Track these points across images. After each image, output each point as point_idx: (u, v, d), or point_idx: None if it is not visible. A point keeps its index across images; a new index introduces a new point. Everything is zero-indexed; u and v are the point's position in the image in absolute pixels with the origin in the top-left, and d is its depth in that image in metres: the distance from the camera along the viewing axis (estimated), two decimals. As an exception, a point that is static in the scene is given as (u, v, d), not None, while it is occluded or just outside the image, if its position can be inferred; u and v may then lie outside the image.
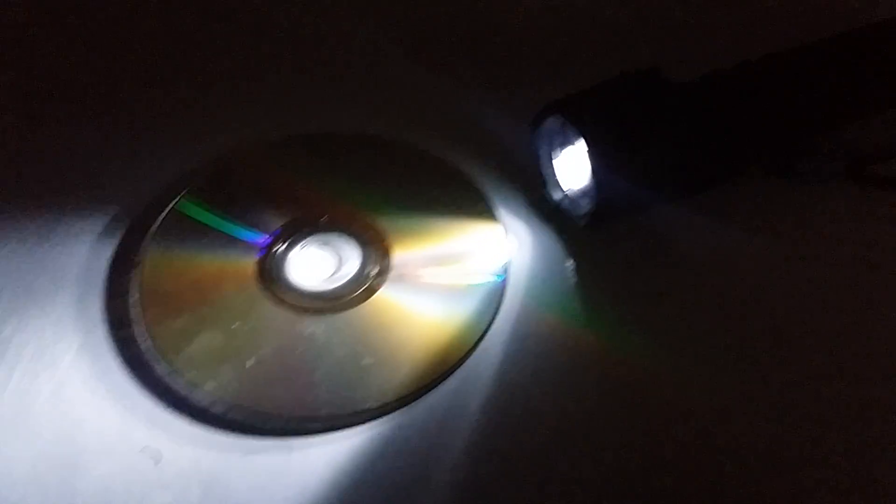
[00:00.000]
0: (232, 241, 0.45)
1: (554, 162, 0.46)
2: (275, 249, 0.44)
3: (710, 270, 0.45)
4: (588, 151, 0.41)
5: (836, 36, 0.47)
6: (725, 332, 0.42)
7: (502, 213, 0.47)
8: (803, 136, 0.47)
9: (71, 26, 0.58)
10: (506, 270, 0.44)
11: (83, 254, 0.45)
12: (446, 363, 0.41)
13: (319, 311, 0.42)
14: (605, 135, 0.41)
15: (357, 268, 0.44)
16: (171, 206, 0.46)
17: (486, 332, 0.42)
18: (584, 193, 0.45)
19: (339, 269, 0.44)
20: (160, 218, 0.45)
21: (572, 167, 0.45)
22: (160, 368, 0.40)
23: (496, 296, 0.43)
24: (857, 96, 0.47)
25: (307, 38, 0.57)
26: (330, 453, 0.38)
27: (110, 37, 0.57)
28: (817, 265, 0.45)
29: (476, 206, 0.47)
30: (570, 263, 0.45)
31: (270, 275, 0.44)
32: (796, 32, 0.47)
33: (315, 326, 0.42)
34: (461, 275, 0.44)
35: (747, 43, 0.48)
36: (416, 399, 0.40)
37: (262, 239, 0.45)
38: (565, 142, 0.45)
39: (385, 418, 0.39)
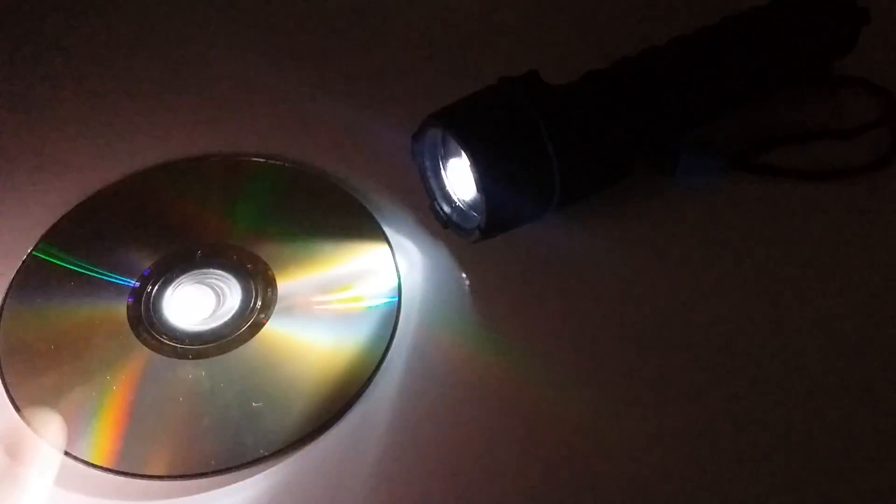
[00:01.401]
0: (99, 286, 0.41)
1: (441, 174, 0.44)
2: (147, 291, 0.41)
3: (602, 276, 0.44)
4: (471, 164, 0.39)
5: (710, 26, 0.47)
6: (619, 341, 0.41)
7: (390, 231, 0.45)
8: (683, 130, 0.46)
9: None
10: (398, 291, 0.42)
11: (-69, 312, 0.41)
12: (343, 397, 0.38)
13: (201, 354, 0.39)
14: (488, 144, 0.39)
15: (239, 303, 0.41)
16: (27, 252, 0.42)
17: (382, 359, 0.40)
18: (472, 205, 0.43)
19: (219, 306, 0.42)
20: (17, 267, 0.41)
21: (459, 179, 0.43)
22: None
23: (390, 319, 0.41)
24: (733, 87, 0.47)
25: (171, 61, 0.54)
26: (223, 509, 0.35)
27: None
28: (704, 261, 0.44)
29: (362, 227, 0.45)
30: (463, 279, 0.43)
31: (144, 319, 0.40)
32: (673, 25, 0.47)
33: (197, 371, 0.39)
34: (352, 300, 0.42)
35: (626, 40, 0.47)
36: (314, 440, 0.37)
37: (131, 281, 0.41)
38: (449, 153, 0.43)
39: (280, 465, 0.37)
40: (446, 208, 0.44)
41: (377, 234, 0.44)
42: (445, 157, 0.43)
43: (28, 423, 0.36)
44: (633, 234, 0.45)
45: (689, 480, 0.36)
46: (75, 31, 0.56)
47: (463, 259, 0.44)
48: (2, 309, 0.40)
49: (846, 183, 0.48)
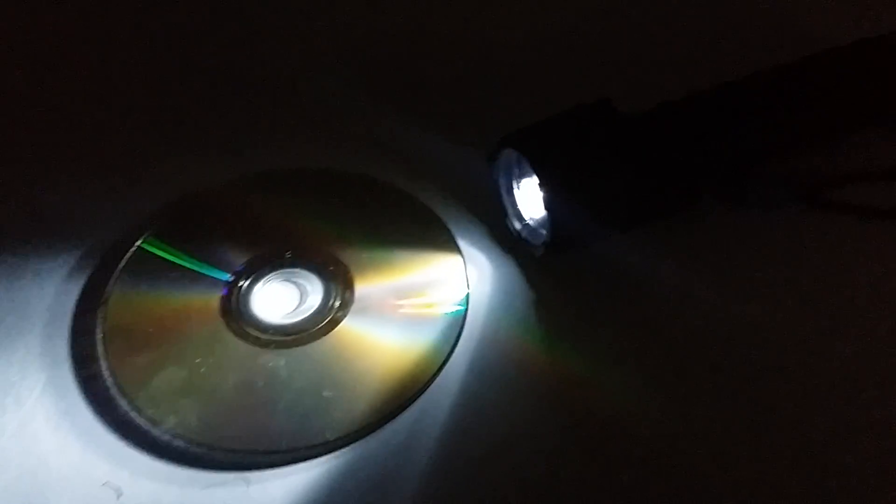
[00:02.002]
0: (197, 278, 0.45)
1: (514, 193, 0.47)
2: (239, 285, 0.45)
3: (665, 298, 0.45)
4: (540, 185, 0.41)
5: (785, 65, 0.48)
6: (681, 360, 0.43)
7: (463, 244, 0.48)
8: (754, 164, 0.48)
9: (39, 71, 0.59)
10: (466, 301, 0.45)
11: (51, 293, 0.46)
12: (406, 394, 0.41)
13: (282, 345, 0.43)
14: (557, 168, 0.42)
15: (319, 301, 0.45)
16: (136, 245, 0.46)
17: (445, 362, 0.43)
18: (542, 224, 0.45)
19: (301, 302, 0.45)
20: (125, 257, 0.46)
21: (531, 198, 0.46)
22: (123, 405, 0.41)
23: (457, 326, 0.44)
24: (809, 123, 0.48)
25: (270, 79, 0.58)
26: (288, 485, 0.39)
27: (78, 82, 0.58)
28: (770, 291, 0.45)
29: (438, 238, 0.48)
30: (529, 292, 0.46)
31: (234, 310, 0.44)
32: (747, 63, 0.48)
33: (277, 360, 0.42)
34: (423, 306, 0.45)
35: (699, 74, 0.48)
36: (375, 430, 0.40)
37: (226, 275, 0.45)
38: (522, 173, 0.46)
39: (344, 450, 0.40)
40: (517, 225, 0.47)
41: (451, 245, 0.47)
42: (519, 177, 0.46)
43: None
44: (698, 259, 0.47)
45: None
46: (194, 42, 0.61)
47: (530, 274, 0.47)
48: (110, 294, 0.45)
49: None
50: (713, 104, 0.46)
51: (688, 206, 0.46)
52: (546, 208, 0.42)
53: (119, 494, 0.38)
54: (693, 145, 0.45)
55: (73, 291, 0.46)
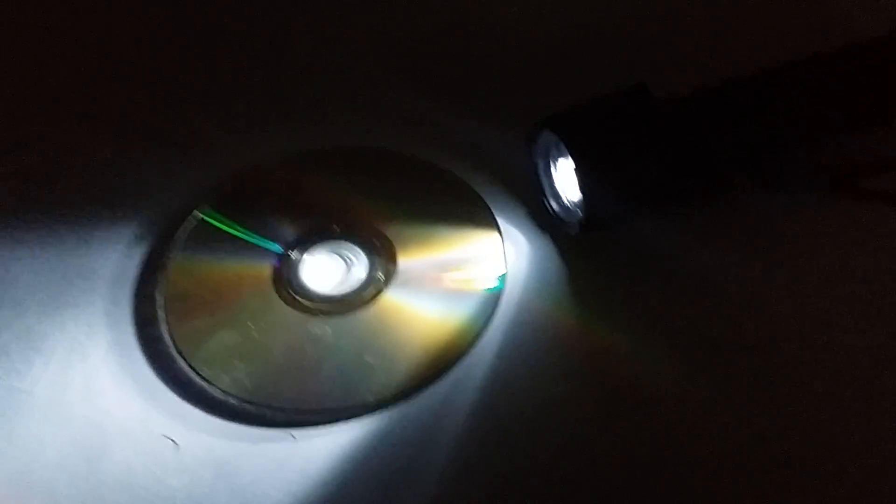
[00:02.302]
0: (251, 249, 0.48)
1: (552, 172, 0.49)
2: (290, 256, 0.48)
3: (695, 277, 0.47)
4: (575, 168, 0.43)
5: (821, 53, 0.49)
6: (709, 338, 0.45)
7: (502, 222, 0.50)
8: (788, 149, 0.49)
9: (107, 55, 0.62)
10: (503, 278, 0.47)
11: (117, 258, 0.49)
12: (442, 363, 0.44)
13: (328, 313, 0.46)
14: (593, 151, 0.44)
15: (365, 274, 0.47)
16: (196, 215, 0.49)
17: (480, 335, 0.45)
18: (578, 204, 0.47)
19: (348, 274, 0.48)
20: (185, 227, 0.49)
21: (567, 178, 0.48)
22: (181, 364, 0.44)
23: (493, 301, 0.46)
24: (841, 112, 0.49)
25: (321, 64, 0.61)
26: (332, 443, 0.41)
27: (143, 64, 0.61)
28: (797, 275, 0.47)
29: (478, 216, 0.50)
30: (564, 270, 0.48)
31: (285, 279, 0.47)
32: (783, 51, 0.49)
33: (324, 327, 0.45)
34: (462, 281, 0.48)
35: (736, 61, 0.49)
36: (414, 395, 0.43)
37: (278, 247, 0.48)
38: (560, 154, 0.48)
39: (384, 412, 0.42)
40: (554, 204, 0.49)
41: (490, 223, 0.50)
42: (556, 158, 0.48)
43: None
44: (730, 242, 0.48)
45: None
46: (258, 25, 0.64)
47: (566, 252, 0.49)
48: (171, 260, 0.48)
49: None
50: (748, 91, 0.48)
51: (719, 190, 0.48)
52: (581, 190, 0.44)
53: (176, 446, 0.41)
54: (725, 131, 0.46)
55: (137, 257, 0.49)
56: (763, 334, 0.45)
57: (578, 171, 0.44)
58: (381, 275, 0.47)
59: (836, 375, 0.43)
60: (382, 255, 0.48)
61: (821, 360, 0.43)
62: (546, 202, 0.49)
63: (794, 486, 0.40)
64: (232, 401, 0.42)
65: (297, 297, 0.46)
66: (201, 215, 0.50)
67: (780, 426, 0.41)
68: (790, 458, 0.40)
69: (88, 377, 0.44)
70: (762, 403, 0.42)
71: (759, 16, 0.61)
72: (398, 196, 0.51)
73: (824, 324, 0.45)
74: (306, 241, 0.49)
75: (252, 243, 0.49)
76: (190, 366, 0.44)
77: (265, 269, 0.48)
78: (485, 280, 0.47)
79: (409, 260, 0.48)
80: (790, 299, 0.46)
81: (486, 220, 0.50)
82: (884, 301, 0.45)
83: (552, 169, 0.48)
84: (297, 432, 0.42)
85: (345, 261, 0.48)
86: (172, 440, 0.41)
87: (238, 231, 0.49)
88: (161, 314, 0.46)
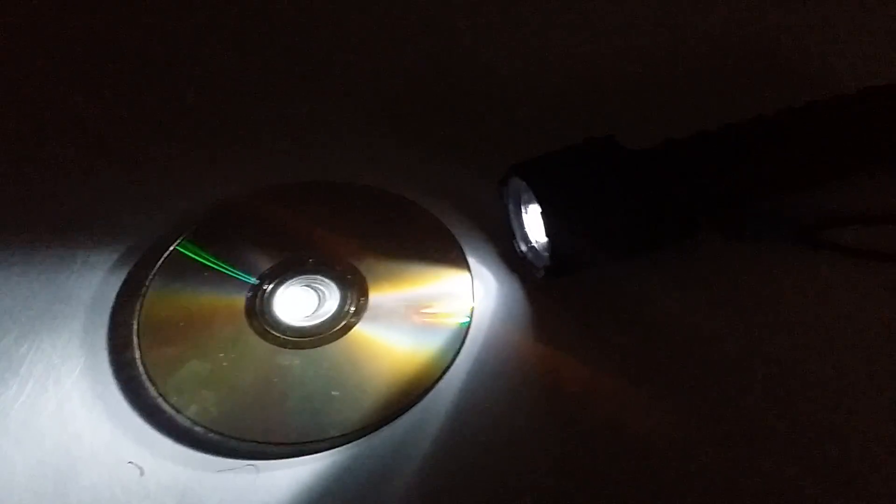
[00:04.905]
0: (225, 280, 0.49)
1: (521, 217, 0.50)
2: (263, 288, 0.49)
3: (659, 322, 0.48)
4: (542, 213, 0.45)
5: (788, 108, 0.50)
6: (673, 378, 0.46)
7: (472, 261, 0.51)
8: (753, 200, 0.50)
9: (89, 78, 0.64)
10: (471, 314, 0.48)
11: (95, 284, 0.50)
12: (409, 397, 0.45)
13: (298, 346, 0.47)
14: (560, 197, 0.45)
15: (336, 307, 0.49)
16: (173, 245, 0.51)
17: (447, 369, 0.46)
18: (546, 248, 0.49)
19: (319, 307, 0.49)
20: (163, 256, 0.50)
21: (536, 223, 0.49)
22: (151, 391, 0.45)
23: (460, 337, 0.47)
24: (806, 166, 0.50)
25: (304, 101, 0.63)
26: (294, 475, 0.42)
27: (125, 91, 0.63)
28: (760, 322, 0.48)
29: (449, 255, 0.51)
30: (530, 309, 0.49)
31: (257, 311, 0.48)
32: (751, 106, 0.51)
33: (293, 359, 0.46)
34: (431, 316, 0.49)
35: (704, 114, 0.51)
36: (378, 429, 0.44)
37: (252, 279, 0.49)
38: (530, 199, 0.49)
39: (347, 446, 0.43)
40: (523, 247, 0.50)
41: (461, 262, 0.51)
42: (526, 203, 0.49)
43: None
44: (693, 287, 0.50)
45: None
46: (239, 54, 0.65)
47: (534, 292, 0.50)
48: (147, 289, 0.49)
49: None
50: (715, 143, 0.49)
51: (686, 238, 0.49)
52: (547, 234, 0.45)
53: (141, 473, 0.42)
54: (693, 180, 0.48)
55: (115, 284, 0.50)
56: (724, 377, 0.46)
57: (545, 215, 0.45)
58: (352, 308, 0.49)
59: (796, 419, 0.44)
60: (354, 288, 0.49)
61: (782, 403, 0.45)
62: (515, 244, 0.50)
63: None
64: (198, 430, 0.44)
65: (269, 329, 0.47)
66: (178, 246, 0.51)
67: (741, 464, 0.43)
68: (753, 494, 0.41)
69: (61, 401, 0.45)
70: (723, 441, 0.43)
71: (728, 73, 0.63)
72: (373, 232, 0.53)
73: (784, 369, 0.46)
74: (280, 274, 0.50)
75: (227, 274, 0.50)
76: (160, 393, 0.45)
77: (238, 300, 0.49)
78: (453, 316, 0.48)
79: (381, 294, 0.49)
80: (752, 345, 0.47)
81: (457, 258, 0.51)
82: (844, 347, 0.47)
83: (522, 213, 0.50)
84: (260, 464, 0.43)
85: (317, 294, 0.50)
86: (139, 467, 0.42)
87: (213, 262, 0.50)
88: (135, 341, 0.47)
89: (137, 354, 0.46)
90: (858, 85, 0.52)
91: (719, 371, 0.46)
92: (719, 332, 0.48)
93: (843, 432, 0.43)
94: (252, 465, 0.43)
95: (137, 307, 0.48)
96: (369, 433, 0.44)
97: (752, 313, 0.49)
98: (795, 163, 0.50)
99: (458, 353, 0.47)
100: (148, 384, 0.45)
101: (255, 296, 0.49)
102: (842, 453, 0.43)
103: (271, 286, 0.49)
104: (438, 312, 0.49)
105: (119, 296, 0.49)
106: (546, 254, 0.48)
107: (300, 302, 0.49)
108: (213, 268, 0.50)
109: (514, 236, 0.51)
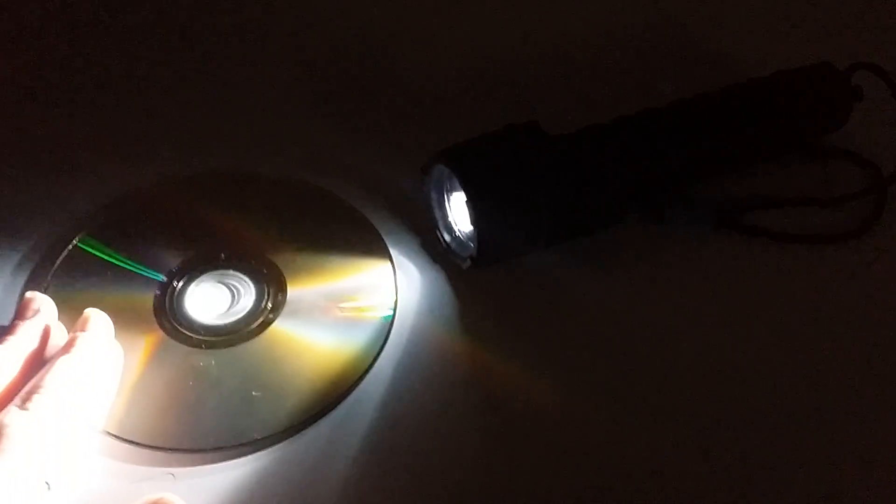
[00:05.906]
0: (131, 278, 0.47)
1: (445, 206, 0.49)
2: (173, 285, 0.46)
3: (584, 308, 0.48)
4: (467, 202, 0.43)
5: (707, 93, 0.51)
6: (597, 368, 0.45)
7: (395, 252, 0.49)
8: (673, 186, 0.50)
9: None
10: (395, 307, 0.47)
11: (2, 286, 0.47)
12: (333, 395, 0.43)
13: (213, 345, 0.44)
14: (485, 185, 0.44)
15: (252, 303, 0.46)
16: (73, 242, 0.47)
17: (372, 365, 0.44)
18: (470, 237, 0.47)
19: (234, 304, 0.46)
20: (62, 255, 0.47)
21: (460, 212, 0.48)
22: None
23: (384, 330, 0.46)
24: (727, 150, 0.51)
25: (211, 83, 0.60)
26: (214, 482, 0.40)
27: (25, 85, 0.59)
28: (682, 305, 0.48)
29: (370, 246, 0.49)
30: (455, 300, 0.48)
31: (167, 309, 0.45)
32: (671, 91, 0.51)
33: (208, 360, 0.44)
34: (352, 310, 0.47)
35: (625, 99, 0.51)
36: (302, 430, 0.42)
37: (160, 276, 0.47)
38: (453, 188, 0.48)
39: (271, 449, 0.41)
40: (447, 237, 0.49)
41: (383, 253, 0.49)
42: (449, 191, 0.48)
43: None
44: (616, 273, 0.50)
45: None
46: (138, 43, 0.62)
47: (458, 283, 0.49)
48: (47, 290, 0.45)
49: (825, 248, 0.51)
50: (637, 128, 0.49)
51: (610, 224, 0.49)
52: (473, 224, 0.44)
53: (49, 486, 0.39)
54: (616, 167, 0.48)
55: (20, 283, 0.47)
56: (648, 360, 0.46)
57: (470, 202, 0.44)
58: (269, 304, 0.46)
59: (722, 399, 0.44)
60: (271, 284, 0.47)
61: (706, 384, 0.45)
62: (439, 234, 0.49)
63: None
64: (109, 438, 0.40)
65: (180, 329, 0.45)
66: (78, 243, 0.47)
67: (663, 446, 0.42)
68: (678, 483, 0.41)
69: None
70: (647, 425, 0.43)
71: (648, 57, 0.63)
72: (289, 224, 0.51)
73: (707, 350, 0.46)
74: (191, 270, 0.47)
75: (132, 271, 0.47)
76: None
77: (146, 298, 0.46)
78: (377, 310, 0.47)
79: (299, 289, 0.47)
80: (676, 328, 0.47)
81: (378, 250, 0.49)
82: (764, 330, 0.47)
83: (446, 202, 0.48)
84: (177, 471, 0.40)
85: (231, 290, 0.47)
86: (45, 481, 0.39)
87: (116, 259, 0.47)
88: (37, 345, 0.43)
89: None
90: (772, 69, 0.53)
91: (641, 356, 0.46)
92: (645, 316, 0.48)
93: (762, 413, 0.44)
94: (170, 473, 0.40)
95: (37, 309, 0.44)
96: (294, 434, 0.42)
97: (677, 296, 0.49)
98: (714, 147, 0.50)
99: (382, 347, 0.45)
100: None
101: (163, 294, 0.46)
102: (760, 435, 0.43)
103: (181, 283, 0.47)
104: (361, 306, 0.47)
105: (22, 295, 0.46)
106: (471, 243, 0.47)
107: (213, 299, 0.47)
108: (116, 265, 0.47)
109: (437, 226, 0.49)
